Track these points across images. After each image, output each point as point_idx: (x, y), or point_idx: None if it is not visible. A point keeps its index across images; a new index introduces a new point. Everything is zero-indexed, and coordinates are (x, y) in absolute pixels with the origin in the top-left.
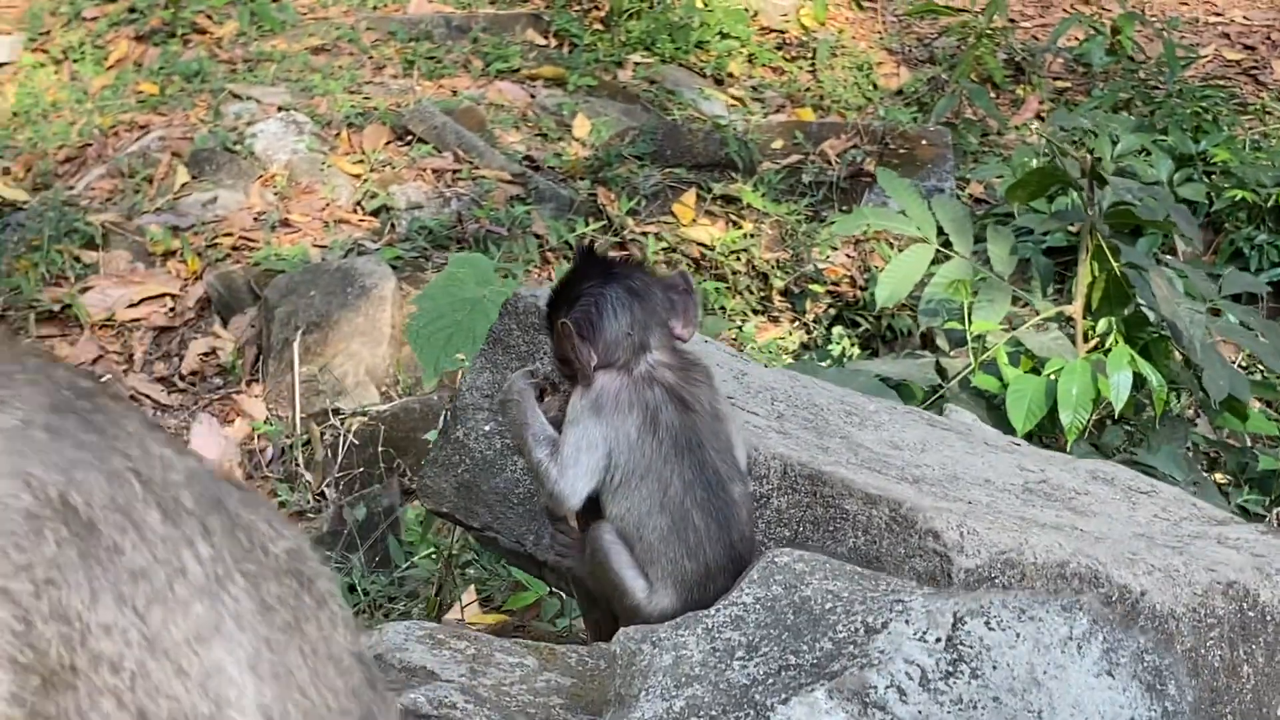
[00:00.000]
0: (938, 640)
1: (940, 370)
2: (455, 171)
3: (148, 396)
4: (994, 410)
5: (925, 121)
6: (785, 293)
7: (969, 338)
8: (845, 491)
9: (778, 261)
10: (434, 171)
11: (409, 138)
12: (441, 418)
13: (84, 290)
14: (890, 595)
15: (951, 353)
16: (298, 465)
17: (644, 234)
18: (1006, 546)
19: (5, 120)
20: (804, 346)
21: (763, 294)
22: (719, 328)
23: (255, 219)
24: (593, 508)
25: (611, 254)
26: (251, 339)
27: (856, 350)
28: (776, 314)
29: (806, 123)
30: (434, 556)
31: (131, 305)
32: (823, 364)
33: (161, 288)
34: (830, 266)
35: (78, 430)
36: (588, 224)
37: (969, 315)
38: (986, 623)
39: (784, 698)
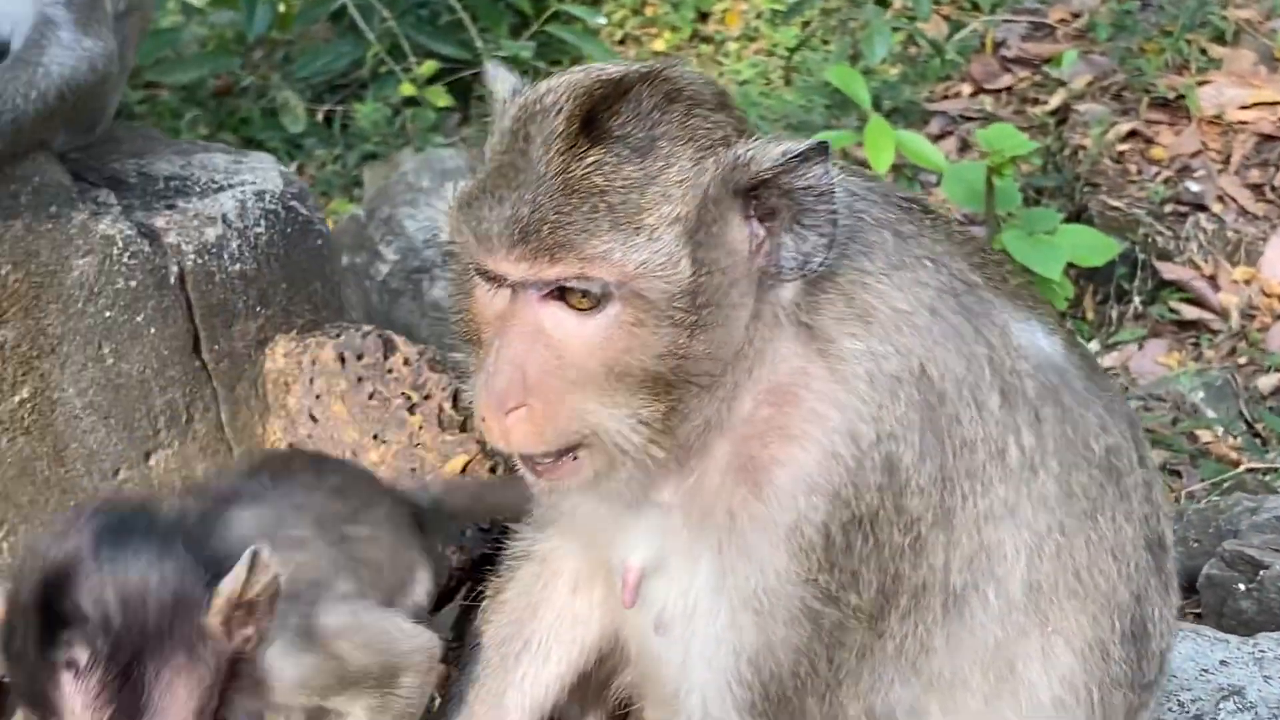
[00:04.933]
0: None
1: None
2: None
3: (1234, 200)
4: None
5: None
6: None
7: None
8: None
9: None
10: None
11: None
12: None
13: (1201, 84)
14: None
15: None
16: None
17: None
18: None
19: None
20: None
21: None
22: None
23: None
24: None
25: None
26: None
27: None
28: None
29: None
30: None
31: (1243, 107)
32: None
33: (1276, 95)
34: None
35: (950, 314)
36: None
37: None
38: None
39: None
